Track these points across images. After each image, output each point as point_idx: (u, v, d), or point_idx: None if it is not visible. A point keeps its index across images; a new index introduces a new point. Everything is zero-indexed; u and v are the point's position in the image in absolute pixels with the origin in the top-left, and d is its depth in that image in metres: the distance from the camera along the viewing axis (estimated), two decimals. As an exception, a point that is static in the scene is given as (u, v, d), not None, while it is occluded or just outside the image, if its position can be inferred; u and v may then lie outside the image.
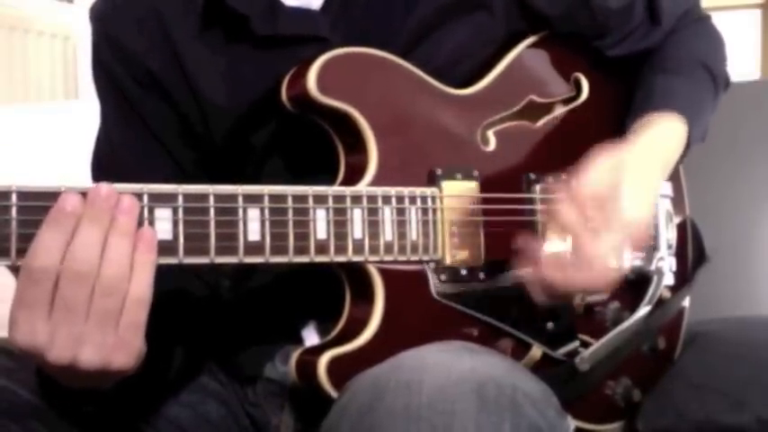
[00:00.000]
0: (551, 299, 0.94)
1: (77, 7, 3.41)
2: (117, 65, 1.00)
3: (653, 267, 1.03)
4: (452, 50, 1.00)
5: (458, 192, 0.93)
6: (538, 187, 1.00)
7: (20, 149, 2.31)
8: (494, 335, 0.94)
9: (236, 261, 0.79)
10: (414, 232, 0.89)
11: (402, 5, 0.99)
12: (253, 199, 0.80)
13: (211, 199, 0.78)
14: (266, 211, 0.80)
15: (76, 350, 0.71)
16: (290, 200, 0.82)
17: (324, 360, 0.84)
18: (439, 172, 0.92)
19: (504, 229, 0.96)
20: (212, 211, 0.78)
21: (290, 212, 0.82)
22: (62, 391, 0.82)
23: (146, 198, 0.75)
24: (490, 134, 0.99)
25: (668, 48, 1.10)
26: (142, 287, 0.72)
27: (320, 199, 0.84)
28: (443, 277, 0.91)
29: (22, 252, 0.70)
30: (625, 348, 1.00)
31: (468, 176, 0.94)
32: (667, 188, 1.08)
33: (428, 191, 0.91)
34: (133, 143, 1.02)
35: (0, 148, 2.30)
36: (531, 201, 0.99)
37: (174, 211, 0.76)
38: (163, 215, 0.75)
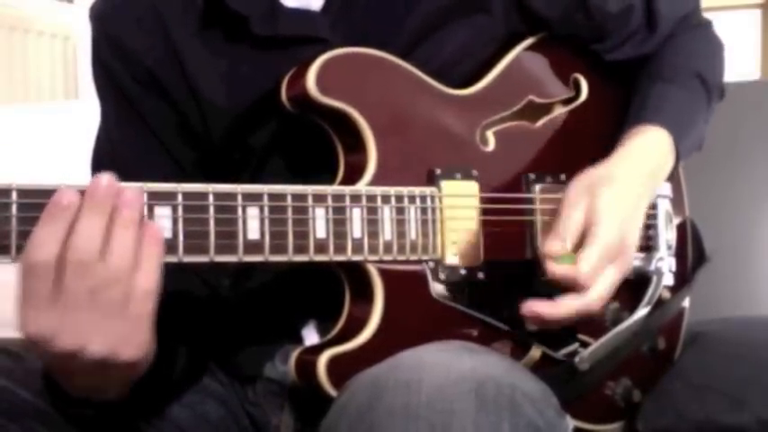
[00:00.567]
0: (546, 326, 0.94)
1: (77, 7, 3.41)
2: (116, 63, 1.00)
3: (652, 268, 1.03)
4: (452, 51, 1.01)
5: (457, 192, 0.93)
6: (537, 187, 1.00)
7: (20, 149, 2.31)
8: (493, 334, 0.94)
9: (235, 260, 0.79)
10: (413, 232, 0.89)
11: (402, 7, 0.99)
12: (252, 198, 0.80)
13: (211, 197, 0.78)
14: (266, 210, 0.81)
15: (83, 339, 0.71)
16: (289, 199, 0.82)
17: (323, 359, 0.84)
18: (438, 172, 0.92)
19: (504, 228, 0.96)
20: (212, 210, 0.78)
21: (290, 211, 0.82)
22: (67, 396, 0.82)
23: (145, 196, 0.75)
24: (489, 134, 0.99)
25: (665, 54, 1.10)
26: (149, 279, 0.72)
27: (319, 198, 0.84)
28: (443, 277, 0.91)
29: (22, 249, 0.70)
30: (625, 348, 1.00)
31: (467, 176, 0.94)
32: (667, 189, 1.08)
33: (427, 190, 0.91)
34: (133, 142, 1.02)
35: (0, 148, 2.30)
36: (530, 201, 0.99)
37: (174, 210, 0.76)
38: (162, 213, 0.76)
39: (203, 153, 1.02)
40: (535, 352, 0.97)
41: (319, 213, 0.83)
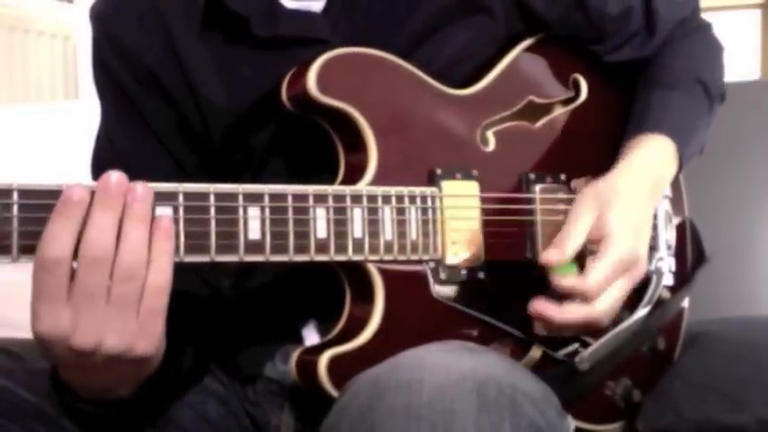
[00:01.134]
0: (551, 331, 0.95)
1: (77, 7, 3.42)
2: (117, 63, 1.00)
3: (652, 268, 1.03)
4: (452, 53, 1.01)
5: (458, 192, 0.93)
6: (537, 187, 1.00)
7: (20, 149, 2.31)
8: (493, 334, 0.94)
9: (236, 260, 0.79)
10: (413, 232, 0.89)
11: (403, 8, 0.99)
12: (253, 198, 0.80)
13: (212, 198, 0.78)
14: (266, 210, 0.80)
15: (100, 334, 0.71)
16: (290, 199, 0.82)
17: (324, 359, 0.84)
18: (439, 172, 0.92)
19: (504, 228, 0.96)
20: (213, 210, 0.78)
21: (291, 211, 0.82)
22: (76, 398, 0.82)
23: (147, 196, 0.75)
24: (490, 134, 0.99)
25: (665, 60, 1.10)
26: (161, 274, 0.73)
27: (320, 198, 0.84)
28: (443, 277, 0.91)
29: (23, 249, 0.70)
30: (625, 348, 1.00)
31: (467, 176, 0.94)
32: (666, 189, 1.08)
33: (428, 190, 0.91)
34: (133, 142, 1.02)
35: (0, 148, 2.30)
36: (530, 201, 0.99)
37: (175, 210, 0.76)
38: (163, 213, 0.75)
39: (204, 154, 1.02)
40: (535, 352, 0.97)
41: (320, 213, 0.83)
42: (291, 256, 0.82)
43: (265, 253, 0.80)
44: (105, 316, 0.71)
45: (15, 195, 0.70)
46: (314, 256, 0.83)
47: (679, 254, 1.10)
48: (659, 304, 1.03)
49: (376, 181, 0.89)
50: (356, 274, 0.89)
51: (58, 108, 2.73)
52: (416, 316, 0.90)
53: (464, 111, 0.98)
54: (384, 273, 0.88)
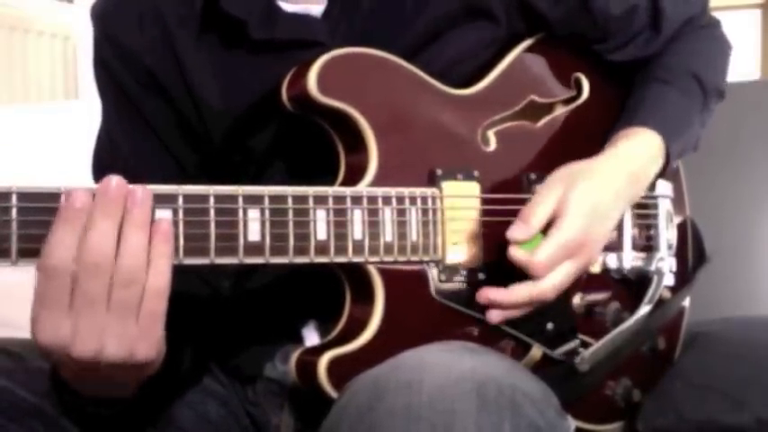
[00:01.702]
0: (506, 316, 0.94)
1: (77, 7, 3.42)
2: (117, 63, 1.00)
3: (653, 268, 1.03)
4: (454, 55, 1.00)
5: (458, 192, 0.93)
6: (538, 187, 0.99)
7: (20, 149, 2.31)
8: (493, 335, 0.94)
9: (236, 262, 0.79)
10: (414, 233, 0.89)
11: (404, 15, 0.99)
12: (253, 200, 0.80)
13: (211, 200, 0.78)
14: (266, 212, 0.80)
15: (100, 342, 0.71)
16: (290, 200, 0.82)
17: (324, 360, 0.84)
18: (439, 172, 0.92)
19: (504, 229, 0.95)
20: (212, 212, 0.78)
21: (291, 213, 0.82)
22: (76, 397, 0.82)
23: (146, 198, 0.75)
24: (491, 134, 0.99)
25: (666, 56, 1.09)
26: (161, 278, 0.73)
27: (320, 200, 0.84)
28: (443, 277, 0.91)
29: (22, 253, 0.70)
30: (625, 349, 1.00)
31: (468, 177, 0.94)
32: (668, 188, 1.08)
33: (428, 191, 0.91)
34: (133, 141, 1.02)
35: (0, 148, 2.30)
36: (530, 201, 0.99)
37: (174, 212, 0.76)
38: (163, 215, 0.75)
39: (204, 155, 1.02)
40: (535, 352, 0.97)
41: (320, 215, 0.83)
42: (291, 258, 0.82)
43: (265, 255, 0.80)
44: (105, 322, 0.71)
45: (14, 198, 0.70)
46: (314, 257, 0.83)
47: (680, 254, 1.10)
48: (660, 304, 1.04)
49: (376, 181, 0.89)
50: (356, 275, 0.89)
51: (58, 108, 2.73)
52: (416, 317, 0.90)
53: (465, 111, 0.98)
54: (384, 273, 0.88)
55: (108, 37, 1.01)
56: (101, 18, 1.02)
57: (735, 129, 1.47)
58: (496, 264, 0.94)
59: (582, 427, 1.00)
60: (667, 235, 1.07)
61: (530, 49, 1.05)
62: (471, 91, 0.99)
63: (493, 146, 0.98)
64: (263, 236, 0.80)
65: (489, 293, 0.91)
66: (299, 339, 1.02)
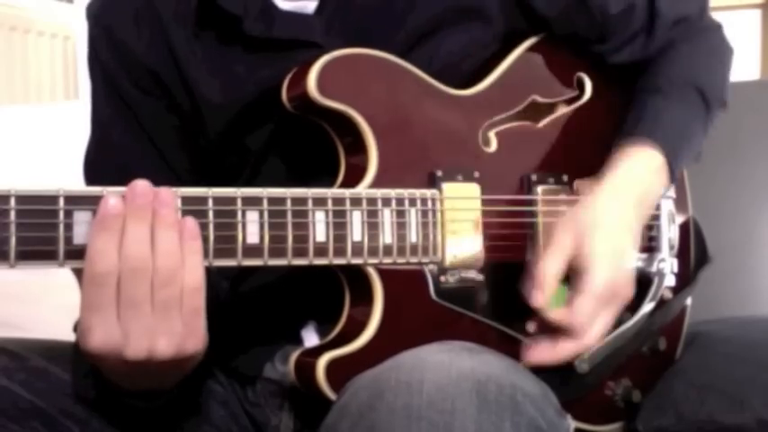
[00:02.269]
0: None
1: (77, 7, 3.41)
2: (113, 62, 1.00)
3: (654, 269, 1.03)
4: (451, 53, 1.00)
5: (458, 193, 0.93)
6: (539, 189, 0.99)
7: (20, 149, 2.31)
8: (493, 337, 0.94)
9: (234, 264, 0.79)
10: (413, 234, 0.89)
11: (398, 13, 0.99)
12: (252, 202, 0.80)
13: (210, 202, 0.78)
14: (265, 214, 0.80)
15: (151, 342, 0.73)
16: (289, 202, 0.82)
17: (322, 362, 0.84)
18: (439, 173, 0.92)
19: (505, 231, 0.96)
20: (211, 214, 0.78)
21: (289, 215, 0.82)
22: (113, 391, 0.83)
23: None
24: (492, 135, 0.98)
25: (663, 65, 1.08)
26: (196, 273, 0.75)
27: (319, 201, 0.84)
28: (443, 279, 0.91)
29: (21, 255, 0.71)
30: (625, 349, 1.00)
31: (468, 178, 0.94)
32: (669, 189, 1.08)
33: (428, 193, 0.91)
34: (127, 141, 1.02)
35: (0, 148, 2.30)
36: (531, 203, 0.99)
37: (174, 214, 0.76)
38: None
39: (200, 155, 1.02)
40: (535, 353, 0.97)
41: (319, 217, 0.83)
42: (290, 260, 0.82)
43: (264, 257, 0.80)
44: (153, 323, 0.73)
45: (13, 201, 0.70)
46: (313, 259, 0.83)
47: (682, 253, 1.10)
48: (661, 305, 1.03)
49: (376, 183, 0.89)
50: (355, 277, 0.89)
51: (58, 108, 2.73)
52: (416, 318, 0.90)
53: (466, 111, 0.97)
54: (383, 275, 0.88)
55: (103, 36, 1.00)
56: (96, 16, 1.02)
57: (735, 129, 1.46)
58: (497, 265, 0.94)
59: (582, 427, 1.00)
60: (669, 235, 1.06)
61: (531, 49, 1.05)
62: (472, 91, 0.99)
63: (494, 147, 0.98)
64: (261, 238, 0.80)
65: (536, 357, 0.93)
66: (298, 340, 1.02)
